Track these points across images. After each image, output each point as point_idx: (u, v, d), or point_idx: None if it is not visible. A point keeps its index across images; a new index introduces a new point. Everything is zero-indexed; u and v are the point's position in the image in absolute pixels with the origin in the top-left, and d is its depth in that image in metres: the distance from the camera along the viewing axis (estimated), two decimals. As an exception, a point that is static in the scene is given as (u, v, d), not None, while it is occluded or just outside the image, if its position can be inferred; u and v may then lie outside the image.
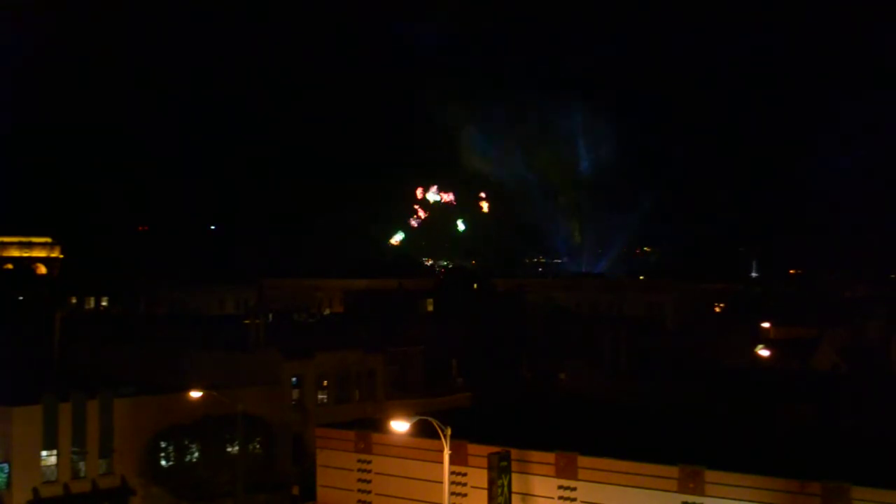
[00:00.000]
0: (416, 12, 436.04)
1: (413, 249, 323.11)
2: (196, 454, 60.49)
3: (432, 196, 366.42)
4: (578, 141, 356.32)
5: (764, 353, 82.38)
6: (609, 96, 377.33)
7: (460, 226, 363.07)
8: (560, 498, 45.33)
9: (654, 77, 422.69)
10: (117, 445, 58.71)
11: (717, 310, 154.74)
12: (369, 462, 51.32)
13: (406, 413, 50.34)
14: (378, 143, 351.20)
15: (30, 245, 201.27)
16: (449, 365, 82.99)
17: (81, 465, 57.39)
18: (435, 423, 42.90)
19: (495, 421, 56.71)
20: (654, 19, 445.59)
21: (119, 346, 79.26)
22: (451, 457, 42.91)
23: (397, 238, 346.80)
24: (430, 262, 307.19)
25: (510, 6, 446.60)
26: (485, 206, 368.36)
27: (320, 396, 70.54)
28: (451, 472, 43.98)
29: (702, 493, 41.71)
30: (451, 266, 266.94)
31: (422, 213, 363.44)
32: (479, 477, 46.09)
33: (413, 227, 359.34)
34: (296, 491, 62.67)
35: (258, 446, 62.28)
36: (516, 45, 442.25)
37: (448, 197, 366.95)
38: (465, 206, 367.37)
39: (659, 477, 42.86)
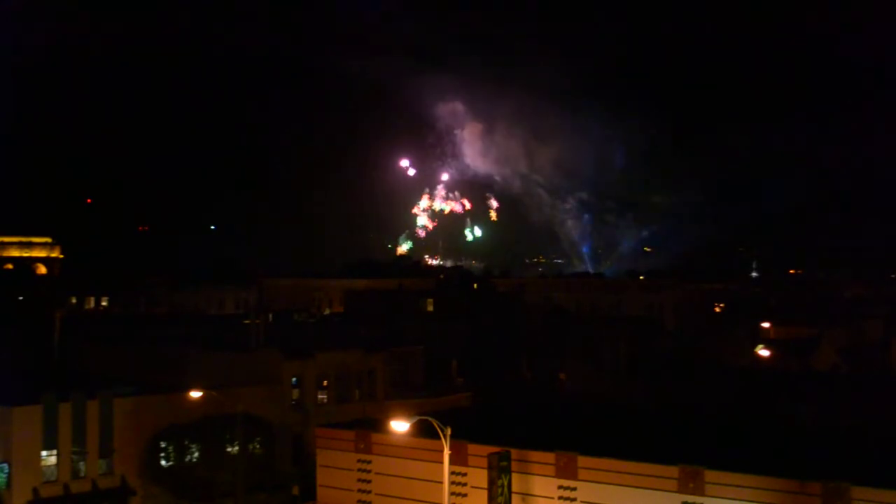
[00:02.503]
0: (415, 12, 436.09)
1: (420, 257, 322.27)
2: (196, 454, 60.47)
3: (439, 204, 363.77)
4: (584, 141, 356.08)
5: (764, 353, 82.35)
6: (613, 97, 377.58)
7: (469, 235, 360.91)
8: (560, 498, 45.30)
9: (654, 77, 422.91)
10: (117, 445, 58.70)
11: (717, 310, 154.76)
12: (369, 462, 51.28)
13: (406, 413, 50.31)
14: (383, 149, 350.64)
15: (30, 245, 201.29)
16: (449, 365, 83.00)
17: (81, 465, 57.37)
18: (435, 423, 42.88)
19: (495, 421, 56.66)
20: (657, 18, 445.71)
21: (119, 346, 79.25)
22: (451, 457, 42.88)
23: (405, 248, 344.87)
24: (437, 261, 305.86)
25: (514, 7, 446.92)
26: (494, 214, 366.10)
27: (320, 396, 70.54)
28: (451, 472, 43.95)
29: (702, 493, 41.69)
30: (451, 266, 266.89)
31: (429, 224, 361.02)
32: (479, 477, 46.06)
33: (421, 238, 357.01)
34: (296, 491, 62.66)
35: (258, 446, 62.26)
36: (521, 45, 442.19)
37: (457, 206, 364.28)
38: (475, 213, 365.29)
39: (659, 477, 42.83)
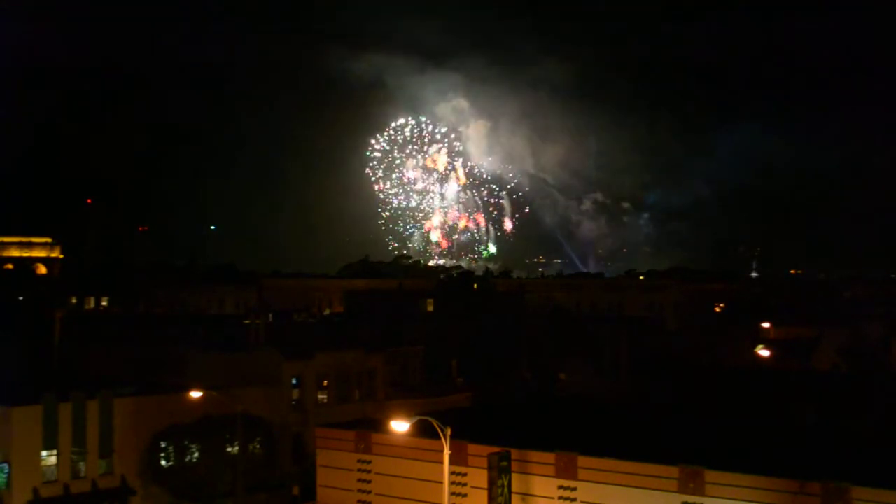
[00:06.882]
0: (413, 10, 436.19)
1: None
2: (196, 454, 60.47)
3: (453, 218, 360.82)
4: (595, 142, 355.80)
5: (764, 353, 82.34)
6: (623, 98, 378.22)
7: (484, 253, 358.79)
8: (560, 498, 45.30)
9: (662, 78, 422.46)
10: (117, 445, 58.70)
11: (717, 310, 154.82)
12: (369, 462, 51.29)
13: (406, 413, 50.32)
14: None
15: (30, 245, 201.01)
16: (449, 365, 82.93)
17: (81, 465, 57.36)
18: (435, 423, 42.88)
19: (495, 421, 56.66)
20: (663, 18, 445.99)
21: (119, 346, 79.21)
22: (451, 457, 42.88)
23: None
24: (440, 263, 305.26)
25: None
26: (508, 228, 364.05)
27: (320, 396, 70.50)
28: (451, 472, 43.95)
29: (702, 493, 41.69)
30: (451, 266, 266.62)
31: (444, 242, 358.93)
32: (479, 477, 46.06)
33: (436, 253, 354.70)
34: (296, 491, 62.67)
35: (258, 446, 62.25)
36: (528, 44, 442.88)
37: (471, 224, 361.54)
38: (490, 221, 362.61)
39: (659, 477, 42.83)
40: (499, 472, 44.98)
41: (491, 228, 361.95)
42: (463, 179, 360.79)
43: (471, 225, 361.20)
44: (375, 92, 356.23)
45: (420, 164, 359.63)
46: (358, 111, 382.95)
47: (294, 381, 69.19)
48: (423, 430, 46.73)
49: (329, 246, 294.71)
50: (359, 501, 51.41)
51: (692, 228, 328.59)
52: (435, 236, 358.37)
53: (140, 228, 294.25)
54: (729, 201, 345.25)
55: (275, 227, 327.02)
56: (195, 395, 57.26)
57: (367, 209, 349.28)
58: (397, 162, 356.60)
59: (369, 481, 51.21)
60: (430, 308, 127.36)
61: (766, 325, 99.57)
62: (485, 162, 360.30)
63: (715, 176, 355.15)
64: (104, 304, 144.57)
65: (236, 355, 71.02)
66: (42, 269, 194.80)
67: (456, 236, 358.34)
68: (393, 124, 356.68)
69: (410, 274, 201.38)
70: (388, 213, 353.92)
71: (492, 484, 44.90)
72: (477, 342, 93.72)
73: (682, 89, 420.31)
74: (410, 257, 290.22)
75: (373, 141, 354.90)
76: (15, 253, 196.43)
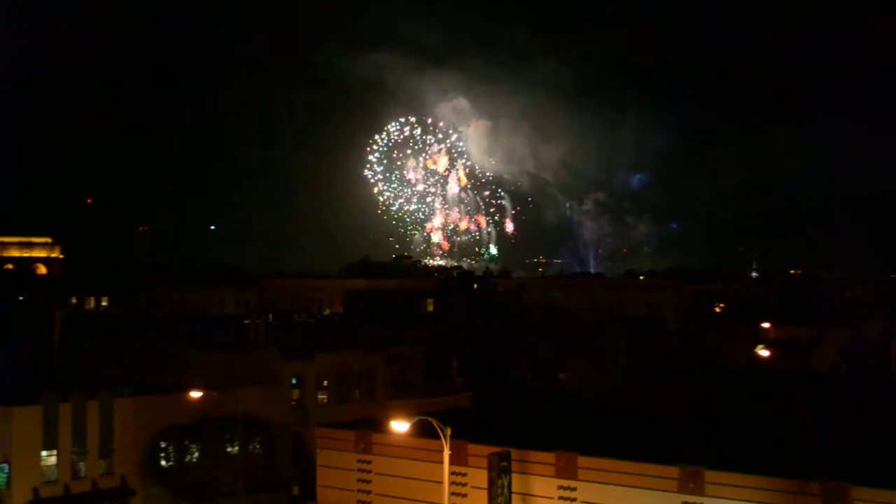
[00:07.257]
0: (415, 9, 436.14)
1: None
2: (196, 454, 60.49)
3: (454, 219, 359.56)
4: (598, 143, 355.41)
5: (764, 353, 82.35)
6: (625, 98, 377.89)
7: (485, 255, 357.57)
8: (560, 498, 45.26)
9: (653, 75, 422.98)
10: (117, 445, 58.72)
11: (717, 310, 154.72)
12: (369, 462, 51.24)
13: (406, 413, 50.27)
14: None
15: (30, 245, 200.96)
16: (449, 365, 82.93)
17: (81, 465, 57.40)
18: (435, 423, 42.86)
19: (495, 421, 56.63)
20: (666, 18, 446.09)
21: (119, 346, 79.24)
22: (451, 457, 42.86)
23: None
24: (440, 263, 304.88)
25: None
26: (510, 229, 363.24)
27: (320, 396, 70.51)
28: (451, 472, 43.92)
29: (702, 493, 41.65)
30: (451, 266, 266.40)
31: (444, 243, 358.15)
32: (479, 477, 46.02)
33: (437, 255, 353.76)
34: (296, 491, 62.65)
35: (258, 446, 62.26)
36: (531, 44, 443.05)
37: (472, 226, 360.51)
38: (491, 220, 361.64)
39: (659, 477, 42.79)
40: (499, 472, 44.95)
41: (492, 230, 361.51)
42: (464, 180, 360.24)
43: (472, 226, 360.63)
44: (375, 92, 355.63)
45: (420, 164, 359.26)
46: (358, 111, 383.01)
47: (294, 381, 69.18)
48: (423, 430, 46.71)
49: (329, 246, 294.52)
50: (359, 501, 51.38)
51: (692, 228, 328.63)
52: (436, 237, 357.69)
53: (140, 228, 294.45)
54: (729, 201, 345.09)
55: (275, 227, 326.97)
56: (195, 395, 57.25)
57: (367, 210, 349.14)
58: (398, 162, 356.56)
59: (369, 481, 51.16)
60: (430, 308, 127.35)
61: (766, 325, 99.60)
62: (486, 162, 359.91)
63: (715, 175, 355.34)
64: (104, 304, 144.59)
65: (236, 355, 71.04)
66: (42, 269, 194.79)
67: (457, 238, 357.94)
68: (393, 124, 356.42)
69: (410, 274, 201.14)
70: (388, 214, 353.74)
71: (492, 484, 44.87)
72: (477, 342, 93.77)
73: (683, 88, 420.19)
74: (411, 257, 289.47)
75: (373, 141, 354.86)
76: (15, 253, 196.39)
